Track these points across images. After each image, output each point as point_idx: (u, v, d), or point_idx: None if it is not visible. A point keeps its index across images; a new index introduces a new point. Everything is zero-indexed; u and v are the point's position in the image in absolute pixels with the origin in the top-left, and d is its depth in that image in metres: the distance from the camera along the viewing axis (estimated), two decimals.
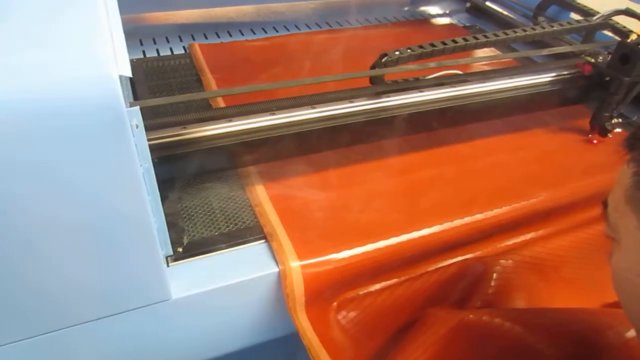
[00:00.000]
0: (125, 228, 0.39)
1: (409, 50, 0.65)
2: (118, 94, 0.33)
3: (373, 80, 0.66)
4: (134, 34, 0.98)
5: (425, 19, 1.27)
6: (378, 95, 0.64)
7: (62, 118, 0.32)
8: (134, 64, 0.87)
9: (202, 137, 0.55)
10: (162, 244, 0.46)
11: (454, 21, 1.27)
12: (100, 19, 0.37)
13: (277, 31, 1.07)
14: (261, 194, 0.59)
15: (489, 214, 0.59)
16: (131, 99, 0.43)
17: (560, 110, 0.81)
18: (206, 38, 1.00)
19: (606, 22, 0.82)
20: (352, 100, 0.62)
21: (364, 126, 0.62)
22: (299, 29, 1.09)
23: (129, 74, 0.35)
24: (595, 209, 0.66)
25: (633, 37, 0.70)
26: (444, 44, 0.68)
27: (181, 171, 0.57)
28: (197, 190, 0.60)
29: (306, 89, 0.61)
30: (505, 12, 1.26)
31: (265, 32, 1.06)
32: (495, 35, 0.72)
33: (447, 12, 1.32)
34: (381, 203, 0.60)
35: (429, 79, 0.68)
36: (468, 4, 1.32)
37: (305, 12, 1.13)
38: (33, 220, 0.35)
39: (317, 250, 0.52)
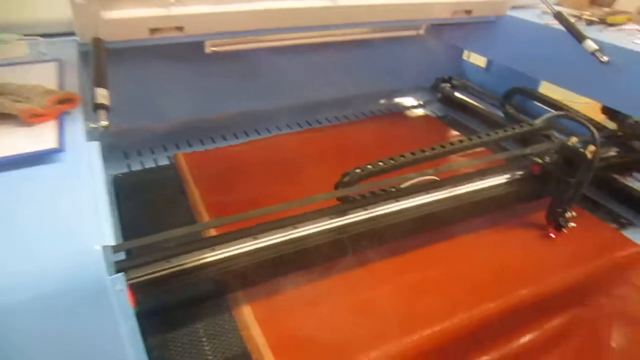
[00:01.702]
0: None
1: (369, 167, 0.70)
2: (100, 266, 0.37)
3: (341, 198, 0.71)
4: (117, 147, 1.01)
5: (401, 112, 1.36)
6: (347, 212, 0.69)
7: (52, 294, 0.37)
8: (119, 180, 0.92)
9: (185, 270, 0.58)
10: None
11: (428, 112, 1.36)
12: (87, 201, 0.42)
13: (259, 133, 1.15)
14: (248, 318, 0.62)
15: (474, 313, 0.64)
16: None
17: (523, 205, 0.86)
18: (190, 146, 1.08)
19: (549, 125, 0.87)
20: (325, 218, 0.67)
21: (340, 241, 0.67)
22: (280, 130, 1.17)
23: (112, 242, 0.39)
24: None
25: (573, 140, 0.75)
26: (403, 157, 0.73)
27: (165, 303, 0.60)
28: (184, 318, 0.62)
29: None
30: (474, 102, 1.35)
31: (247, 135, 1.13)
32: (451, 144, 0.78)
33: (421, 103, 1.41)
34: (366, 315, 0.63)
35: (400, 189, 0.73)
36: (439, 95, 1.42)
37: (285, 112, 1.21)
38: None
39: None
